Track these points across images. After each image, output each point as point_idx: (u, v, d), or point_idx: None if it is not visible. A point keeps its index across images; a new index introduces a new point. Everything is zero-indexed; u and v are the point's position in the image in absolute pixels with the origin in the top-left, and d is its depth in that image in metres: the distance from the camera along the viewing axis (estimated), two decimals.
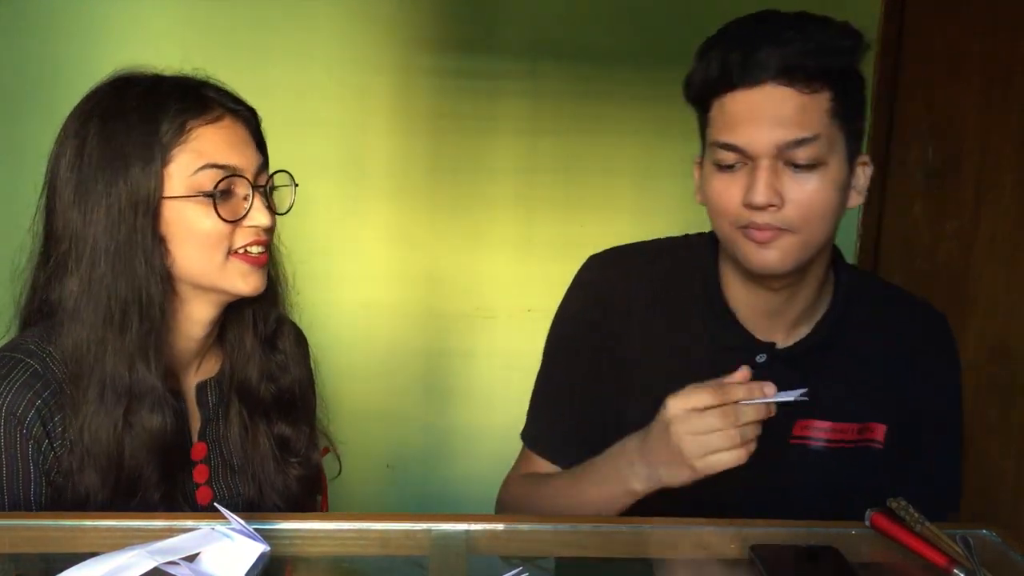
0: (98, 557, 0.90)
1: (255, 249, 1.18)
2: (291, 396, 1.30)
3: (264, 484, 1.28)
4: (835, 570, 1.03)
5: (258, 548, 0.97)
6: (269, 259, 1.22)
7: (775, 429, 1.27)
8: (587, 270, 1.41)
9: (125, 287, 1.13)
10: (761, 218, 1.18)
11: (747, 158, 1.18)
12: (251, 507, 1.27)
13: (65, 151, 1.16)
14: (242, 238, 1.16)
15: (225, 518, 1.00)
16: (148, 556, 0.90)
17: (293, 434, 1.30)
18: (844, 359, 1.32)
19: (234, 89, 1.22)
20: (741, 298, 1.31)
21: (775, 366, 1.29)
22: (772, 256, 1.19)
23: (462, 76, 2.51)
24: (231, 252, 1.16)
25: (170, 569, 0.90)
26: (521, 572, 0.95)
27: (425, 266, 2.58)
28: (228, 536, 0.97)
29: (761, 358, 1.30)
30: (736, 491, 1.18)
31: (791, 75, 1.14)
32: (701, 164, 1.27)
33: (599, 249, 1.44)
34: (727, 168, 1.20)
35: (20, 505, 1.12)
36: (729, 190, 1.20)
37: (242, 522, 0.98)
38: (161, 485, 1.16)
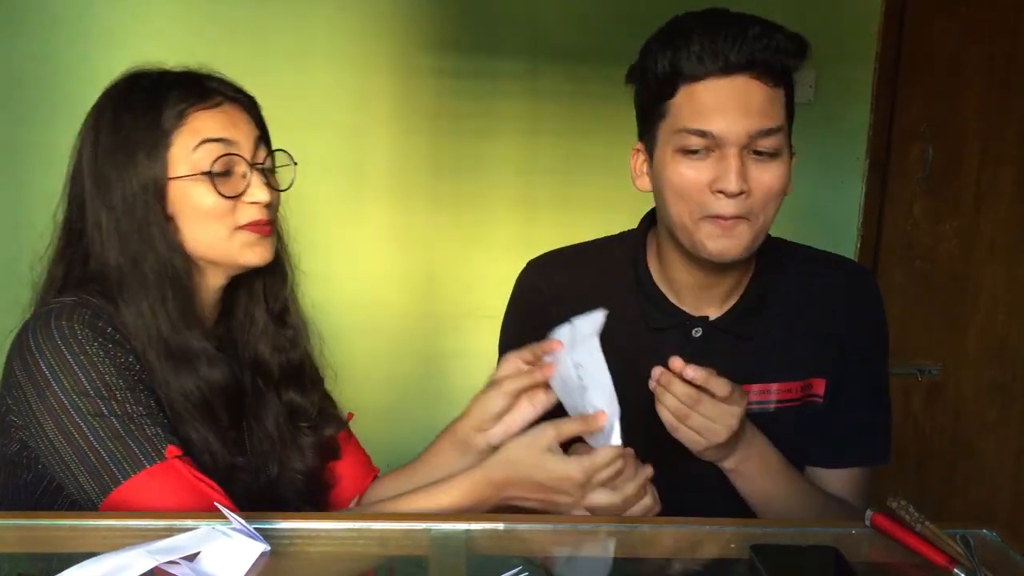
0: (98, 557, 0.91)
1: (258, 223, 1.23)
2: (300, 367, 1.35)
3: (275, 451, 1.31)
4: (835, 570, 1.03)
5: (258, 547, 0.97)
6: (276, 236, 1.27)
7: None
8: (524, 274, 1.46)
9: (155, 265, 1.19)
10: (729, 208, 1.23)
11: (716, 145, 1.23)
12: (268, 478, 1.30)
13: (85, 144, 1.22)
14: (245, 214, 1.21)
15: (225, 517, 1.00)
16: (148, 556, 0.91)
17: (303, 402, 1.34)
18: (778, 321, 1.37)
19: (237, 81, 1.26)
20: (674, 278, 1.36)
21: (712, 337, 1.35)
22: (731, 244, 1.25)
23: (462, 76, 2.51)
24: (236, 227, 1.21)
25: (170, 569, 0.91)
26: (521, 572, 0.95)
27: (425, 266, 2.58)
28: (228, 535, 0.97)
29: (697, 332, 1.35)
30: (694, 464, 1.26)
31: (759, 68, 1.22)
32: (646, 152, 1.31)
33: None
34: (691, 154, 1.24)
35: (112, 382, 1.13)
36: (695, 176, 1.24)
37: (242, 521, 0.99)
38: (233, 430, 1.24)
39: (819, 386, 1.39)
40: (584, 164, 2.55)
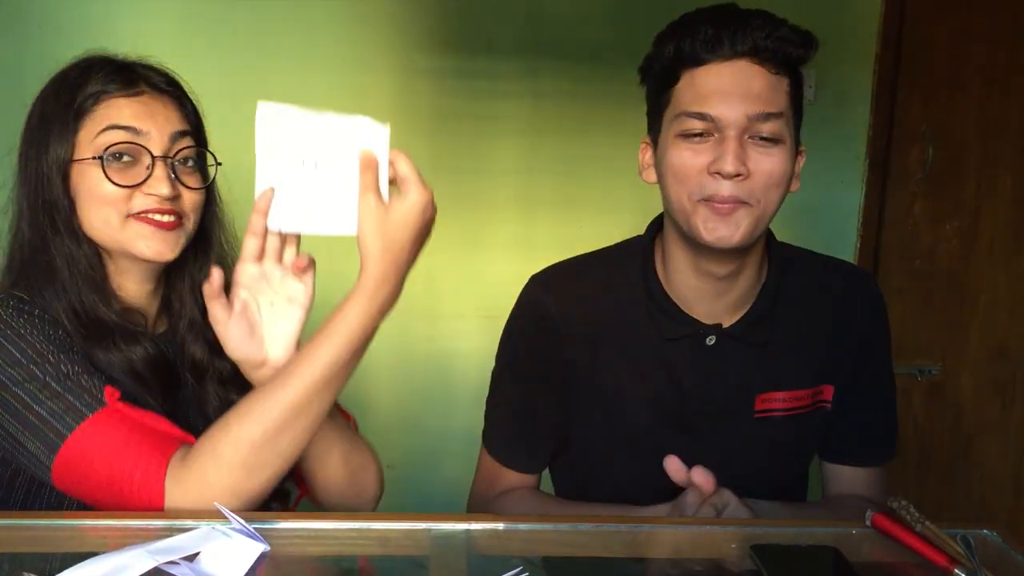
0: (98, 557, 0.91)
1: (158, 217, 1.21)
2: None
3: None
4: (835, 570, 1.03)
5: (258, 548, 0.97)
6: (204, 230, 1.27)
7: (740, 408, 1.36)
8: (528, 291, 1.43)
9: (59, 246, 1.20)
10: (726, 189, 1.23)
11: (715, 129, 1.23)
12: None
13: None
14: (140, 203, 1.20)
15: (225, 517, 1.00)
16: (148, 556, 0.91)
17: None
18: (788, 328, 1.37)
19: (177, 75, 1.26)
20: (685, 285, 1.34)
21: (725, 345, 1.34)
22: (729, 231, 1.24)
23: (462, 76, 2.51)
24: (130, 215, 1.20)
25: (170, 569, 0.91)
26: (521, 572, 0.95)
27: (425, 266, 2.56)
28: (227, 535, 0.97)
29: (711, 340, 1.34)
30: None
31: (761, 55, 1.23)
32: (652, 143, 1.33)
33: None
34: (693, 137, 1.25)
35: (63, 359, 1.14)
36: (694, 159, 1.25)
37: (242, 522, 0.99)
38: (170, 398, 1.22)
39: (828, 392, 1.39)
40: (584, 164, 2.55)
